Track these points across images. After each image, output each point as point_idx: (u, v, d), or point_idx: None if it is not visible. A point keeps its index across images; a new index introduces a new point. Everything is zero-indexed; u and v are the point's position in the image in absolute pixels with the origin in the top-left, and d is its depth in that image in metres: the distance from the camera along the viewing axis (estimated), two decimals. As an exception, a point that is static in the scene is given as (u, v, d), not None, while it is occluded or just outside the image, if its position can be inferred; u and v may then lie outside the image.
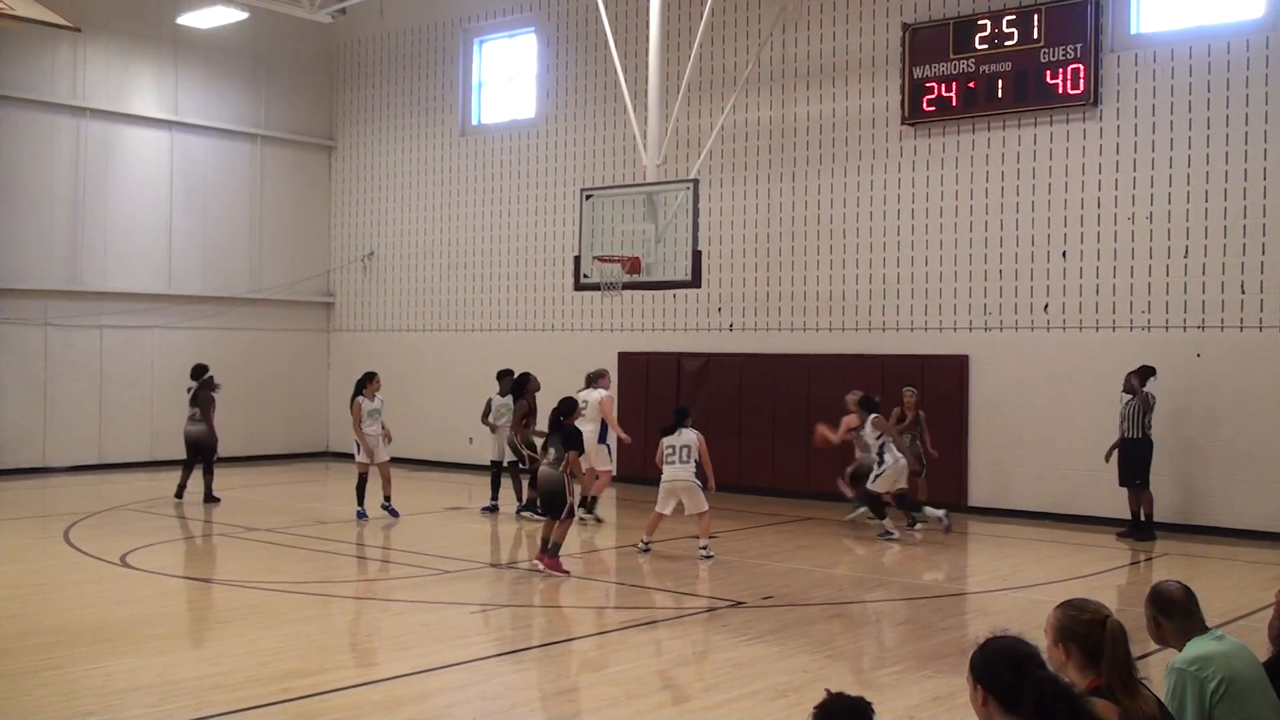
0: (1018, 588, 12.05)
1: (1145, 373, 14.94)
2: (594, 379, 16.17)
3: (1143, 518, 14.92)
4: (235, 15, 21.14)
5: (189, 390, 17.56)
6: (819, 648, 9.41)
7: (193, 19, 21.52)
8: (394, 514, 15.91)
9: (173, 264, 22.96)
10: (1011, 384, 16.76)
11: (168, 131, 22.84)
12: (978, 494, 17.03)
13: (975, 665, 3.86)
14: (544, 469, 12.36)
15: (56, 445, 20.93)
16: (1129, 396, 14.94)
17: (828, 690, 3.59)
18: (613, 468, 16.58)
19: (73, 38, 20.29)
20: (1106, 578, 12.76)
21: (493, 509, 16.66)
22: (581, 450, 12.43)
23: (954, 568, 13.75)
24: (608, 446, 16.07)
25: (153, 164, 22.71)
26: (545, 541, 12.21)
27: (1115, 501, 15.24)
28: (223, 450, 22.45)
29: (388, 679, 8.38)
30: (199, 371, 17.65)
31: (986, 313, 17.00)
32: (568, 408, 12.68)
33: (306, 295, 24.87)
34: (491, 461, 16.81)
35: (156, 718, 7.64)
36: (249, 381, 23.23)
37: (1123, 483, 14.98)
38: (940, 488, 16.77)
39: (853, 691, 3.66)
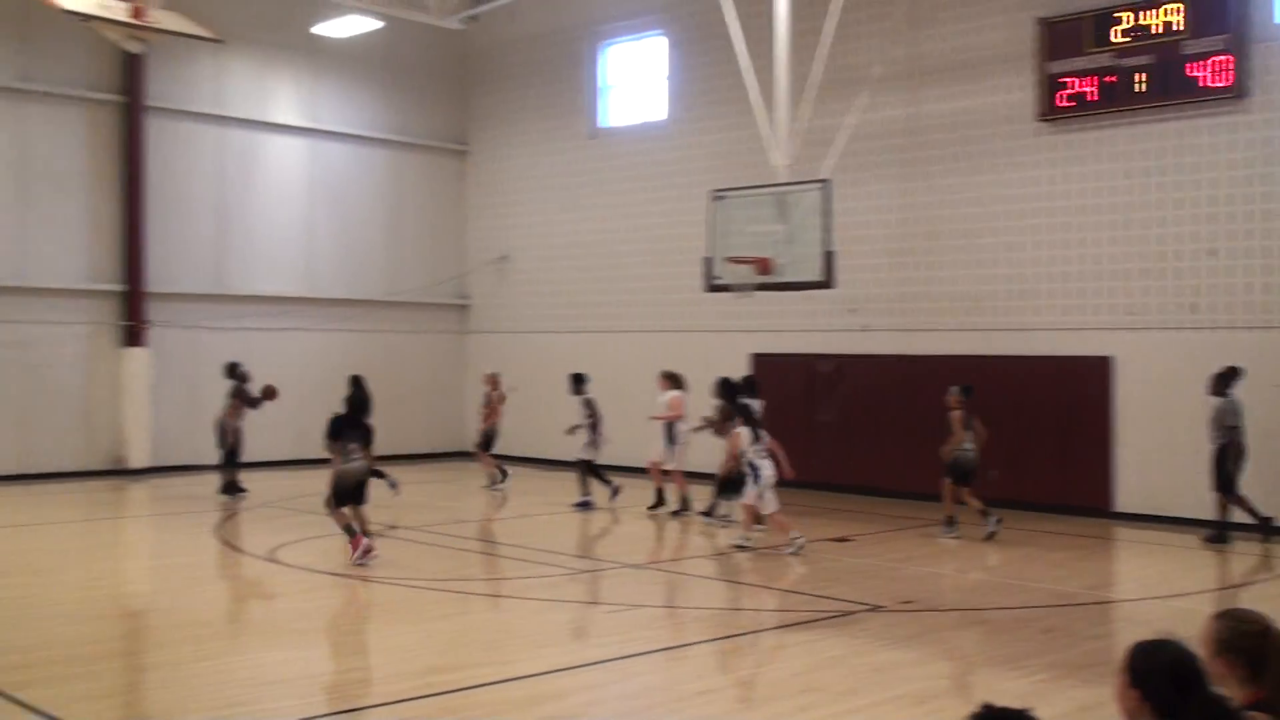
0: (1168, 596, 11.71)
1: (1229, 376, 14.42)
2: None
3: (1221, 519, 14.37)
4: (370, 24, 21.59)
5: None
6: (960, 654, 9.26)
7: (329, 28, 22.05)
8: None
9: (313, 268, 23.56)
10: (1159, 385, 16.25)
11: (307, 139, 23.45)
12: (1125, 499, 16.56)
13: (1136, 667, 3.76)
14: (361, 464, 12.78)
15: (206, 443, 21.55)
16: (1216, 400, 14.42)
17: (988, 705, 3.50)
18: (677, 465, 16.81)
19: (215, 49, 20.92)
20: (1264, 587, 12.33)
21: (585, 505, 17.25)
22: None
23: (1100, 575, 13.41)
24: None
25: (292, 171, 23.35)
26: (355, 528, 12.70)
27: (1268, 507, 14.67)
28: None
29: (526, 676, 8.45)
30: (232, 369, 18.45)
31: (1130, 312, 16.55)
32: (361, 402, 13.34)
33: (442, 298, 25.29)
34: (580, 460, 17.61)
35: (303, 709, 7.83)
36: (387, 382, 23.59)
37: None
38: (1084, 492, 16.45)
39: (999, 700, 3.57)
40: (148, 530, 17.09)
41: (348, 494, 12.71)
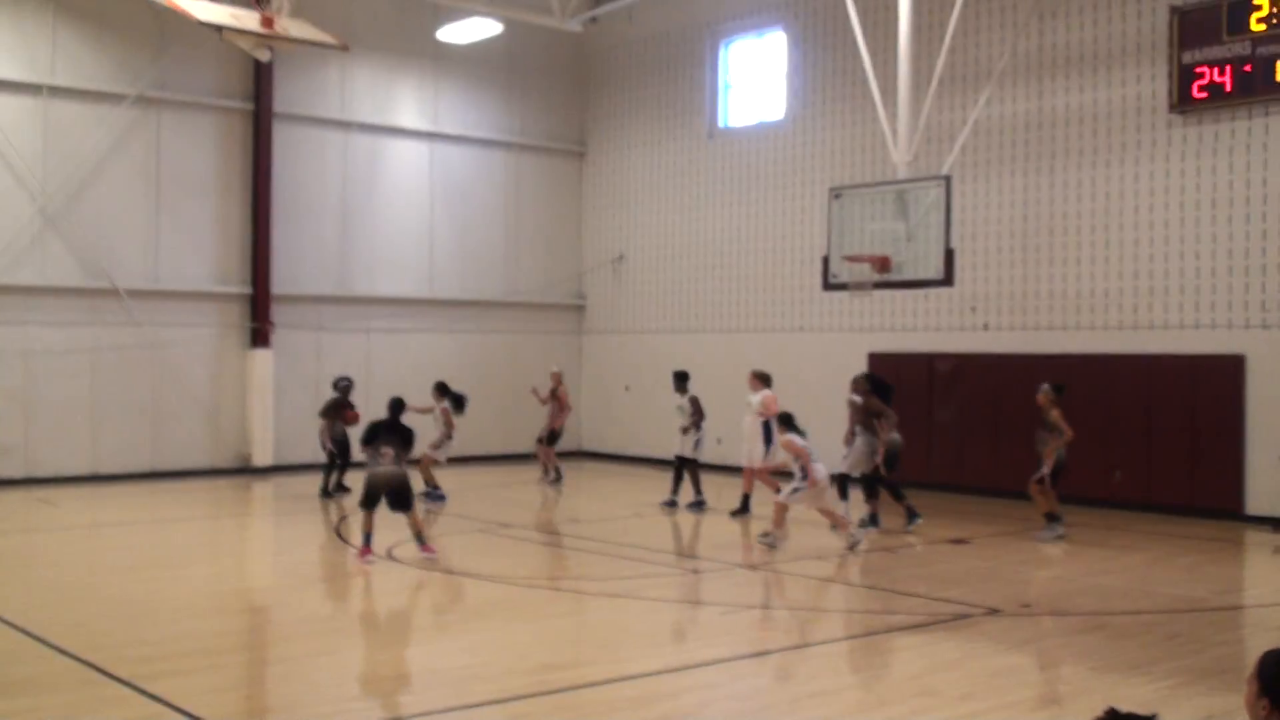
0: (1302, 603, 11.28)
1: None
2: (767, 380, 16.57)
3: None
4: (493, 28, 21.83)
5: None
6: (1082, 659, 9.02)
7: (451, 33, 22.35)
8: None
9: (433, 269, 23.92)
10: (1293, 385, 15.68)
11: (428, 143, 23.81)
12: (1256, 502, 15.99)
13: (1266, 676, 3.61)
14: (390, 468, 12.61)
15: (328, 443, 22.07)
16: None
17: (1113, 709, 3.40)
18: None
19: (341, 56, 21.30)
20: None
21: (671, 504, 17.41)
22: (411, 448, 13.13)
23: (1229, 580, 12.96)
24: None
25: (414, 174, 23.73)
26: (368, 535, 12.73)
27: None
28: (480, 449, 23.28)
29: (640, 675, 8.45)
30: (335, 383, 18.87)
31: (1265, 309, 15.98)
32: (398, 406, 13.21)
33: (559, 298, 25.48)
34: (675, 457, 17.60)
35: (420, 705, 7.95)
36: (504, 382, 23.91)
37: None
38: (1214, 494, 15.95)
39: (1123, 706, 3.47)
40: (269, 527, 17.53)
41: (377, 497, 12.72)
